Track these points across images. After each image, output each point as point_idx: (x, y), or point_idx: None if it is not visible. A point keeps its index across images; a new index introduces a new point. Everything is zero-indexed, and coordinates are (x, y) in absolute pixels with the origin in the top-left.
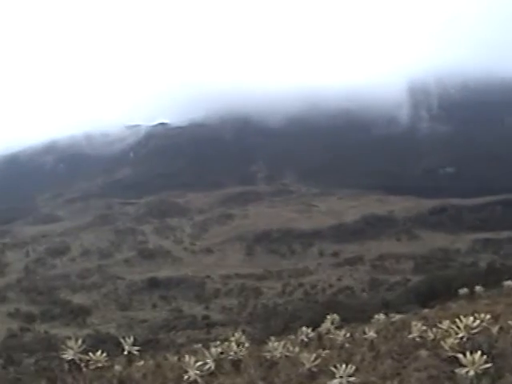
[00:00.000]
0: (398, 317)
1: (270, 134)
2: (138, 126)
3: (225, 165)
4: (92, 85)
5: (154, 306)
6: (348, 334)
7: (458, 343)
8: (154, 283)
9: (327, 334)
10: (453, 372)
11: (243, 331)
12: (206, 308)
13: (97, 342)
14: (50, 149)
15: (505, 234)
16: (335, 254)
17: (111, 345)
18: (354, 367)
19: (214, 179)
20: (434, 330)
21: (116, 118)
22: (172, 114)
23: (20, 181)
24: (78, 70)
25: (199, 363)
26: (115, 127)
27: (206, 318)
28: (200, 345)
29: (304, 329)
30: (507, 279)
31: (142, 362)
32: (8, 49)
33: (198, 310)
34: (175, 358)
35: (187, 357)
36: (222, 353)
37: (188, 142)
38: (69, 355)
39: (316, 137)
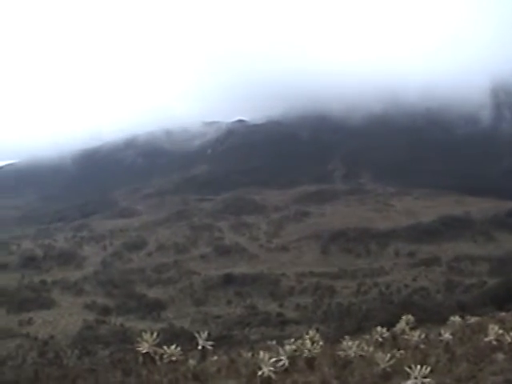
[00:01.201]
0: (473, 319)
1: (348, 133)
2: (217, 122)
3: (301, 163)
4: (172, 82)
5: (229, 301)
6: (423, 335)
7: None
8: (229, 279)
9: (402, 334)
10: None
11: (317, 329)
12: (281, 305)
13: (171, 336)
14: (129, 144)
15: None
16: (411, 255)
17: (185, 339)
18: (428, 369)
19: (290, 177)
20: (511, 333)
21: (196, 114)
22: (250, 112)
23: (99, 175)
24: (159, 68)
25: (273, 360)
26: (194, 124)
27: (280, 315)
28: (274, 342)
29: (379, 328)
30: None
31: (215, 357)
32: (89, 44)
33: (273, 308)
34: (249, 354)
35: (261, 353)
36: (296, 350)
37: (265, 139)
38: (144, 348)
39: (395, 136)
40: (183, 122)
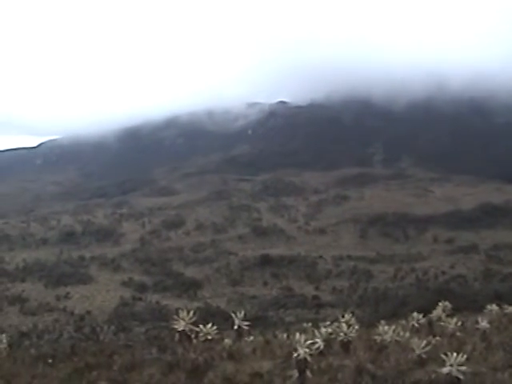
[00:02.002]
0: (511, 309)
1: (390, 118)
2: (259, 103)
3: (342, 146)
4: (216, 63)
5: (265, 283)
6: (459, 323)
7: None
8: (266, 260)
9: (438, 321)
10: None
11: (352, 313)
12: (317, 288)
13: (206, 315)
14: (170, 124)
15: None
16: (449, 241)
17: (220, 319)
18: (464, 356)
19: (330, 160)
20: None
21: (239, 95)
22: (293, 93)
23: (140, 153)
24: (203, 49)
25: (309, 342)
26: (237, 105)
27: (315, 298)
28: (309, 324)
29: (415, 314)
30: None
31: (251, 338)
32: (136, 23)
33: (308, 290)
34: (284, 335)
35: (298, 335)
36: (331, 333)
37: (307, 121)
38: (180, 326)
39: (438, 122)
40: (226, 102)
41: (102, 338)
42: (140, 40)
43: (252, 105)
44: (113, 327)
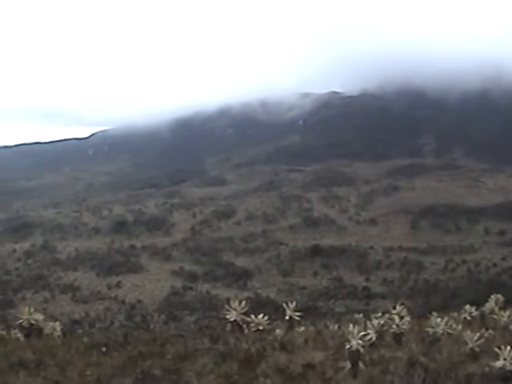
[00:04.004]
0: None
1: (443, 108)
2: (311, 93)
3: (393, 136)
4: (269, 53)
5: (315, 273)
6: None
7: None
8: (316, 251)
9: (491, 313)
10: None
11: (403, 305)
12: (367, 279)
13: (256, 305)
14: (222, 114)
15: None
16: (501, 233)
17: (270, 309)
18: None
19: (381, 150)
20: None
21: (291, 85)
22: (345, 83)
23: (191, 143)
24: (256, 39)
25: (362, 333)
26: (289, 95)
27: (365, 289)
28: (360, 315)
29: (467, 307)
30: None
31: (302, 328)
32: (188, 14)
33: (359, 281)
34: (335, 326)
35: (351, 326)
36: (383, 325)
37: (358, 111)
38: (232, 316)
39: (491, 113)
40: (278, 93)
41: (152, 326)
42: (194, 30)
43: (304, 95)
44: (163, 316)
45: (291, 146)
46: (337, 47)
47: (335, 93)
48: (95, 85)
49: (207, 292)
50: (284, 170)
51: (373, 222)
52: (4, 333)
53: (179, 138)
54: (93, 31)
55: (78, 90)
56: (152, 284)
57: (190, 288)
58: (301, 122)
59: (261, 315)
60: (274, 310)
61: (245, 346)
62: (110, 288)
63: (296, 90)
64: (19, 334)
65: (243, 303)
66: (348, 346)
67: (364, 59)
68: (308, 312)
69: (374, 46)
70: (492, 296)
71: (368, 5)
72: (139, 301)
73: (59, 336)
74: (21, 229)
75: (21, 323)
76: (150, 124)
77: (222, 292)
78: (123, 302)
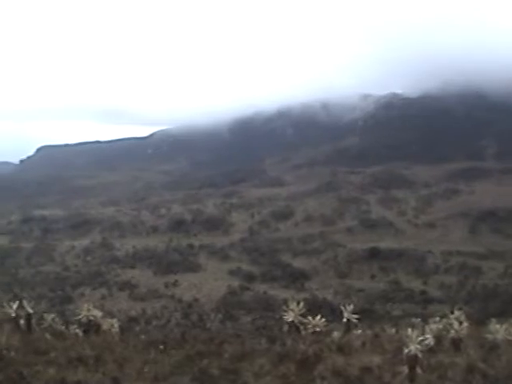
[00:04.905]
0: None
1: (505, 111)
2: (371, 95)
3: (453, 139)
4: (330, 54)
5: (373, 276)
6: None
7: None
8: (374, 253)
9: None
10: None
11: (461, 310)
12: (424, 283)
13: (313, 306)
14: (282, 114)
15: None
16: None
17: (327, 310)
18: None
19: (441, 153)
20: None
21: (351, 86)
22: (406, 84)
23: (250, 144)
24: (317, 39)
25: (420, 338)
26: (350, 96)
27: (423, 292)
28: (418, 319)
29: None
30: None
31: (359, 331)
32: (248, 15)
33: (416, 285)
34: (393, 330)
35: (409, 330)
36: (441, 330)
37: (418, 113)
38: (290, 317)
39: None
40: (339, 93)
41: (208, 325)
42: (257, 30)
43: (364, 96)
44: (220, 315)
45: (350, 148)
46: (398, 48)
47: (395, 94)
48: (156, 84)
49: (264, 292)
50: (343, 171)
51: (431, 225)
52: (63, 328)
53: (238, 138)
54: (155, 30)
55: (139, 90)
56: (209, 283)
57: (247, 288)
58: (360, 124)
59: (318, 317)
60: (331, 312)
61: (302, 347)
62: (167, 286)
63: (356, 91)
64: (78, 330)
65: (301, 304)
66: (406, 351)
67: (425, 60)
68: (364, 314)
69: (435, 46)
70: None
71: (430, 5)
72: (196, 300)
73: (117, 333)
74: (80, 226)
75: (80, 319)
76: (210, 124)
77: (278, 293)
78: (180, 301)
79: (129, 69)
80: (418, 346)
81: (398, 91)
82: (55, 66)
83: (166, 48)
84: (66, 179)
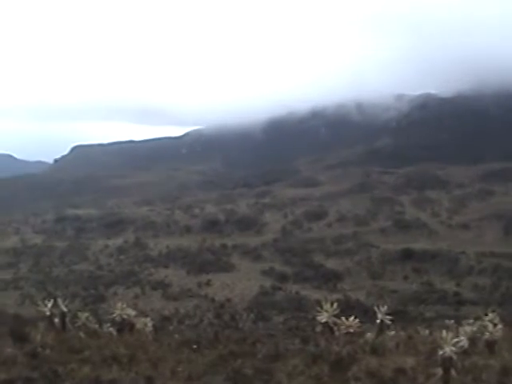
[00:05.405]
0: None
1: None
2: (405, 95)
3: (488, 139)
4: (365, 54)
5: (406, 277)
6: None
7: None
8: (407, 254)
9: None
10: None
11: (494, 312)
12: (458, 285)
13: (345, 307)
14: (316, 114)
15: None
16: None
17: (359, 311)
18: None
19: (475, 153)
20: None
21: (386, 86)
22: (440, 84)
23: (284, 143)
24: (352, 39)
25: (454, 340)
26: (383, 96)
27: (456, 294)
28: (452, 321)
29: None
30: None
31: (393, 332)
32: (281, 14)
33: (449, 286)
34: (426, 331)
35: (444, 332)
36: (476, 332)
37: (453, 113)
38: (323, 317)
39: None
40: (373, 94)
41: (241, 325)
42: (290, 31)
43: (398, 96)
44: (252, 315)
45: (384, 148)
46: (433, 48)
47: (430, 94)
48: (190, 85)
49: (296, 293)
50: (376, 172)
51: (465, 226)
52: (97, 327)
53: (272, 138)
54: (190, 30)
55: (173, 90)
56: (242, 283)
57: (280, 288)
58: (394, 124)
59: (351, 318)
60: (364, 313)
61: (336, 348)
62: (200, 286)
63: (390, 91)
64: (112, 329)
65: (335, 305)
66: (441, 353)
67: (460, 60)
68: (397, 316)
69: (470, 46)
70: None
71: (466, 4)
72: (228, 299)
73: (150, 332)
74: (114, 225)
75: (113, 318)
76: (243, 124)
77: (311, 293)
78: (212, 300)
79: (163, 69)
80: (453, 348)
81: (433, 91)
82: (92, 68)
83: (201, 48)
84: (99, 179)
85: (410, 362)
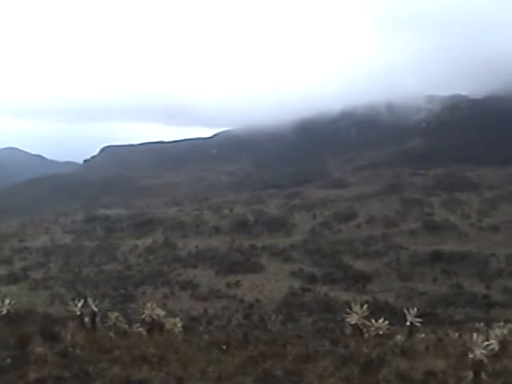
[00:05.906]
0: None
1: None
2: (435, 96)
3: None
4: (395, 53)
5: (435, 279)
6: None
7: None
8: (436, 256)
9: None
10: None
11: None
12: (487, 287)
13: (374, 309)
14: (346, 115)
15: None
16: None
17: (388, 313)
18: None
19: (506, 155)
20: None
21: (416, 87)
22: (471, 85)
23: (314, 144)
24: (380, 39)
25: (485, 343)
26: (414, 97)
27: (486, 297)
28: (482, 324)
29: None
30: None
31: (422, 335)
32: (302, 14)
33: (479, 288)
34: (456, 334)
35: (474, 335)
36: (506, 335)
37: (484, 114)
38: (352, 319)
39: None
40: (403, 95)
41: (269, 326)
42: (320, 31)
43: (429, 97)
44: (281, 317)
45: (413, 149)
46: (463, 48)
47: (460, 95)
48: (220, 85)
49: (325, 294)
50: (406, 173)
51: (495, 228)
52: (126, 327)
53: (302, 139)
54: (221, 31)
55: (202, 91)
56: (271, 284)
57: (309, 289)
58: (424, 125)
59: (381, 320)
60: (393, 315)
61: (365, 350)
62: (228, 286)
63: (421, 92)
64: (141, 329)
65: (364, 307)
66: (471, 356)
67: (491, 61)
68: (426, 318)
69: (501, 47)
70: None
71: (496, 4)
72: (257, 300)
73: (180, 332)
74: (143, 225)
75: (143, 318)
76: (273, 124)
77: (339, 295)
78: (241, 301)
79: (194, 71)
80: (483, 351)
81: (463, 92)
82: (122, 68)
83: (232, 50)
84: (129, 179)
85: (440, 364)
